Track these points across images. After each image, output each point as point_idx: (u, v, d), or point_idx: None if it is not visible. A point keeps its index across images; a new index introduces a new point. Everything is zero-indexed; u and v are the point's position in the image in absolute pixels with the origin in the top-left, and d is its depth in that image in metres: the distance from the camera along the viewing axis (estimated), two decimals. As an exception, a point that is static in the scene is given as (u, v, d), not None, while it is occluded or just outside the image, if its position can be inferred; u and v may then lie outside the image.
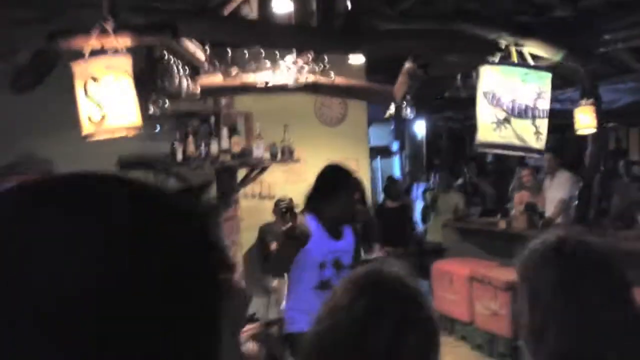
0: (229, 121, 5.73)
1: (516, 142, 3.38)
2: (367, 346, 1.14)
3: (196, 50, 3.97)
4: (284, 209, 6.41)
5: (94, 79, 2.95)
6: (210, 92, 4.73)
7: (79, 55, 3.05)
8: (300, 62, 4.48)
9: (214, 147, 5.49)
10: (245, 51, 4.56)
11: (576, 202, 6.72)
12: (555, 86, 8.25)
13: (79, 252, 0.49)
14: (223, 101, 5.71)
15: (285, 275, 3.85)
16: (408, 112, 4.90)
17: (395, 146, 12.58)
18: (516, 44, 3.38)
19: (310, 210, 3.60)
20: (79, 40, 3.07)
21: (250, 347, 4.59)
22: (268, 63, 4.44)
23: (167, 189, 0.59)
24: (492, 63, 3.51)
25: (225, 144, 5.54)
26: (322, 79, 4.61)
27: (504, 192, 9.08)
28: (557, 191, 7.08)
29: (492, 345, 6.51)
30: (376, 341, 1.14)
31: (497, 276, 6.19)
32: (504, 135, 3.38)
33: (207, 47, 4.03)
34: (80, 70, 3.02)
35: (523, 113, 3.37)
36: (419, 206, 9.81)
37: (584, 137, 6.20)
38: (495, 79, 3.40)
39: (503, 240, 6.74)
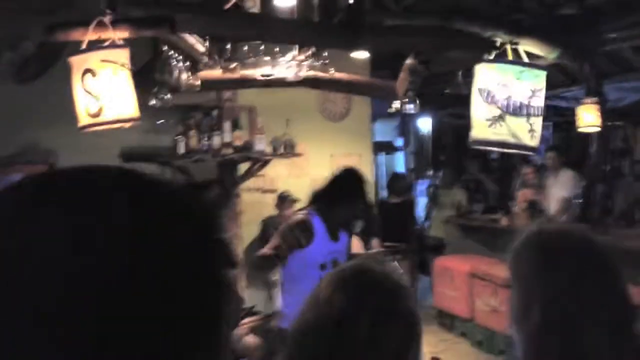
0: (231, 115, 5.75)
1: (510, 139, 3.39)
2: (347, 338, 1.17)
3: (196, 44, 3.98)
4: (283, 196, 6.43)
5: (92, 72, 2.97)
6: (210, 85, 4.74)
7: (80, 47, 3.07)
8: (300, 56, 4.48)
9: (216, 141, 5.51)
10: (245, 45, 4.56)
11: (579, 201, 6.70)
12: (560, 84, 8.26)
13: (79, 252, 0.49)
14: (226, 95, 5.73)
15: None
16: (410, 107, 4.89)
17: (399, 142, 12.57)
18: (511, 42, 3.38)
19: (316, 209, 3.60)
20: (77, 32, 3.09)
21: (249, 340, 4.61)
22: (267, 57, 4.45)
23: (170, 183, 0.59)
24: (488, 60, 3.52)
25: (227, 137, 5.56)
26: (321, 74, 4.61)
27: (507, 189, 9.06)
28: (560, 189, 7.06)
29: (492, 342, 6.52)
30: (356, 333, 1.16)
31: (497, 273, 6.19)
32: (499, 133, 3.38)
33: (206, 41, 4.03)
34: (78, 62, 3.04)
35: (518, 111, 3.37)
36: (422, 202, 9.82)
37: (588, 136, 6.18)
38: (491, 77, 3.41)
39: (505, 238, 6.72)
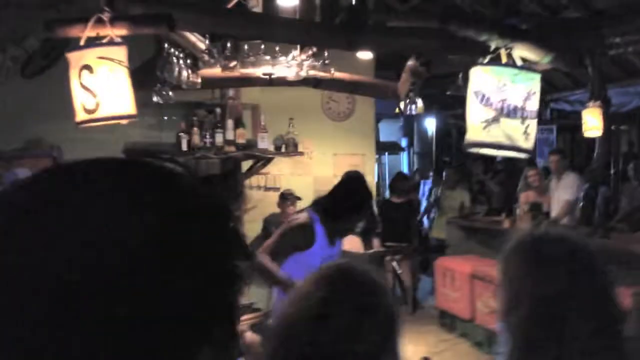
0: (234, 113, 5.78)
1: (505, 141, 3.40)
2: (324, 332, 1.21)
3: (197, 41, 4.00)
4: (286, 194, 6.44)
5: (89, 68, 3.00)
6: (211, 83, 4.76)
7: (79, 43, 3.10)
8: (301, 56, 4.50)
9: (219, 138, 5.54)
10: (246, 44, 4.58)
11: (581, 204, 6.68)
12: (565, 87, 8.25)
13: (107, 239, 0.50)
14: (230, 93, 5.75)
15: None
16: (412, 108, 4.90)
17: (403, 142, 12.57)
18: (505, 47, 3.39)
19: (319, 215, 3.57)
20: (76, 29, 3.12)
21: (248, 336, 4.63)
22: (268, 56, 4.47)
23: (189, 175, 0.60)
24: (483, 64, 3.53)
25: (230, 135, 5.58)
26: (322, 74, 4.63)
27: (511, 191, 9.05)
28: (564, 192, 7.04)
29: (492, 343, 6.52)
30: (332, 327, 1.21)
31: (498, 275, 6.18)
32: (493, 135, 3.40)
33: (206, 39, 4.05)
34: (75, 58, 3.08)
35: (512, 113, 3.39)
36: (426, 203, 9.83)
37: (593, 139, 6.17)
38: (486, 80, 3.42)
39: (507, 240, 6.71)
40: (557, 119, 9.82)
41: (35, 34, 3.89)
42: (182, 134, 5.56)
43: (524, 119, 3.40)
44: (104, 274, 0.49)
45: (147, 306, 0.50)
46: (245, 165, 6.36)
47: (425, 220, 9.48)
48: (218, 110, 5.74)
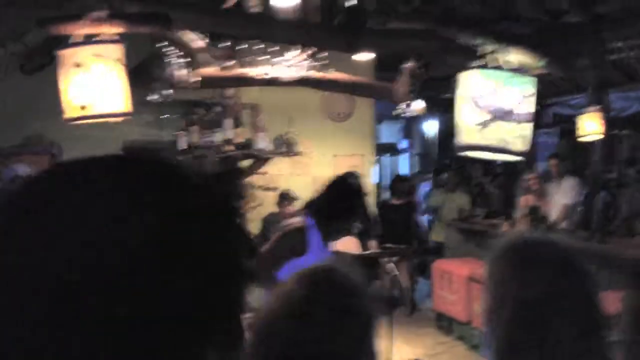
0: (233, 112, 5.78)
1: (499, 144, 3.40)
2: (306, 331, 1.23)
3: (195, 40, 4.01)
4: (284, 194, 6.44)
5: (83, 65, 3.01)
6: (209, 82, 4.76)
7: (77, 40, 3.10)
8: (299, 56, 4.50)
9: (218, 137, 5.55)
10: (244, 44, 4.59)
11: (580, 208, 6.69)
12: (565, 92, 8.22)
13: (107, 239, 0.50)
14: (228, 92, 5.76)
15: None
16: (410, 110, 4.91)
17: (404, 144, 12.57)
18: (499, 51, 3.40)
19: (313, 218, 3.55)
20: (72, 26, 3.13)
21: (246, 335, 4.64)
22: (266, 56, 4.48)
23: (196, 171, 0.59)
24: (478, 67, 3.53)
25: (229, 134, 5.59)
26: (320, 74, 4.63)
27: (511, 194, 9.04)
28: (563, 196, 7.05)
29: (488, 347, 6.51)
30: (314, 327, 1.23)
31: (495, 278, 6.18)
32: (487, 137, 3.40)
33: (205, 38, 4.06)
34: (68, 56, 3.08)
35: (507, 116, 3.39)
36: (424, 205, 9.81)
37: (594, 144, 6.18)
38: (480, 82, 3.43)
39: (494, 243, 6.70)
40: (559, 122, 9.79)
41: (35, 32, 3.90)
42: (180, 132, 5.57)
43: (518, 122, 3.40)
44: (104, 274, 0.49)
45: (147, 306, 0.50)
46: (244, 165, 6.37)
47: (424, 221, 9.47)
48: (217, 109, 5.75)
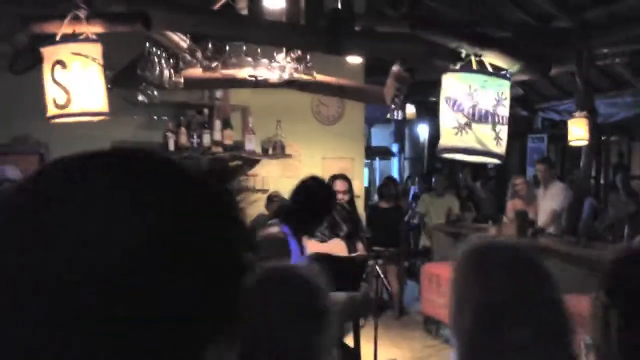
0: (222, 114, 5.79)
1: (477, 146, 3.46)
2: (259, 331, 1.24)
3: (180, 41, 4.02)
4: (272, 196, 6.45)
5: (62, 63, 3.03)
6: (193, 83, 4.77)
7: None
8: (285, 59, 4.52)
9: (206, 139, 5.55)
10: (227, 45, 4.60)
11: (567, 213, 6.73)
12: (553, 97, 8.29)
13: (107, 238, 0.50)
14: (218, 94, 5.77)
15: None
16: (398, 113, 4.93)
17: (395, 148, 12.61)
18: (475, 54, 3.45)
19: (288, 225, 3.53)
20: (52, 25, 3.15)
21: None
22: (249, 58, 4.50)
23: (197, 168, 0.59)
24: (454, 70, 3.59)
25: (217, 136, 5.60)
26: (305, 77, 4.65)
27: (502, 199, 9.09)
28: (550, 201, 7.08)
29: (474, 350, 6.53)
30: (266, 324, 1.27)
31: (482, 282, 6.19)
32: (465, 140, 3.45)
33: (190, 39, 4.07)
34: (49, 53, 3.11)
35: (483, 118, 3.44)
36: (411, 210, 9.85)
37: (580, 149, 6.22)
38: (456, 86, 3.48)
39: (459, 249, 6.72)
40: (548, 128, 9.86)
41: (24, 32, 3.90)
42: (169, 133, 5.57)
43: (494, 124, 3.45)
44: (104, 274, 0.49)
45: (148, 306, 0.50)
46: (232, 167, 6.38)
47: (414, 225, 9.50)
48: (206, 110, 5.75)
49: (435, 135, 12.31)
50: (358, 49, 4.27)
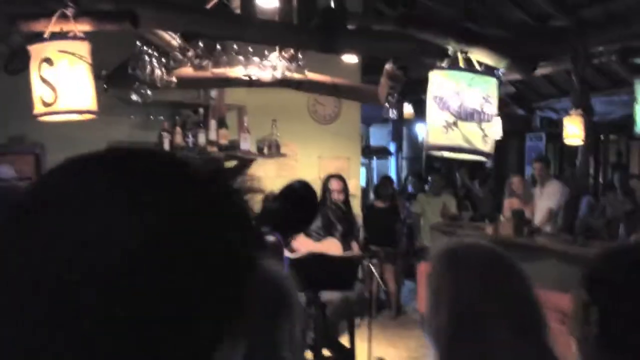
0: (217, 113, 5.79)
1: (464, 144, 3.47)
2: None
3: (172, 40, 4.02)
4: (268, 196, 6.44)
5: (49, 61, 3.03)
6: (185, 82, 4.77)
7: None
8: (279, 58, 4.52)
9: (202, 138, 5.55)
10: (218, 44, 4.59)
11: (563, 212, 6.73)
12: (550, 95, 8.28)
13: (107, 239, 0.50)
14: (214, 93, 5.77)
15: None
16: (393, 112, 4.93)
17: (392, 147, 12.60)
18: (462, 51, 3.46)
19: (276, 230, 3.53)
20: (40, 24, 3.15)
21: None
22: (241, 57, 4.49)
23: (203, 166, 0.59)
24: (441, 68, 3.60)
25: (212, 135, 5.60)
26: (297, 75, 4.65)
27: (500, 198, 9.09)
28: (547, 200, 7.08)
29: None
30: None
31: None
32: (452, 138, 3.46)
33: (182, 38, 4.06)
34: (37, 51, 3.11)
35: (470, 116, 3.45)
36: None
37: (577, 147, 6.22)
38: (444, 84, 3.49)
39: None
40: (546, 126, 9.86)
41: (19, 32, 3.91)
42: (164, 133, 5.57)
43: (481, 122, 3.46)
44: (104, 274, 0.49)
45: (147, 306, 0.50)
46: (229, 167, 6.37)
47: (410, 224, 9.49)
48: (201, 110, 5.75)
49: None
50: (351, 47, 4.27)
